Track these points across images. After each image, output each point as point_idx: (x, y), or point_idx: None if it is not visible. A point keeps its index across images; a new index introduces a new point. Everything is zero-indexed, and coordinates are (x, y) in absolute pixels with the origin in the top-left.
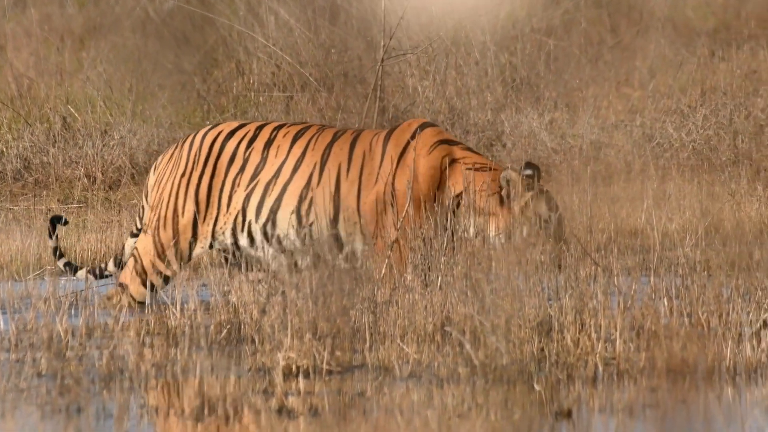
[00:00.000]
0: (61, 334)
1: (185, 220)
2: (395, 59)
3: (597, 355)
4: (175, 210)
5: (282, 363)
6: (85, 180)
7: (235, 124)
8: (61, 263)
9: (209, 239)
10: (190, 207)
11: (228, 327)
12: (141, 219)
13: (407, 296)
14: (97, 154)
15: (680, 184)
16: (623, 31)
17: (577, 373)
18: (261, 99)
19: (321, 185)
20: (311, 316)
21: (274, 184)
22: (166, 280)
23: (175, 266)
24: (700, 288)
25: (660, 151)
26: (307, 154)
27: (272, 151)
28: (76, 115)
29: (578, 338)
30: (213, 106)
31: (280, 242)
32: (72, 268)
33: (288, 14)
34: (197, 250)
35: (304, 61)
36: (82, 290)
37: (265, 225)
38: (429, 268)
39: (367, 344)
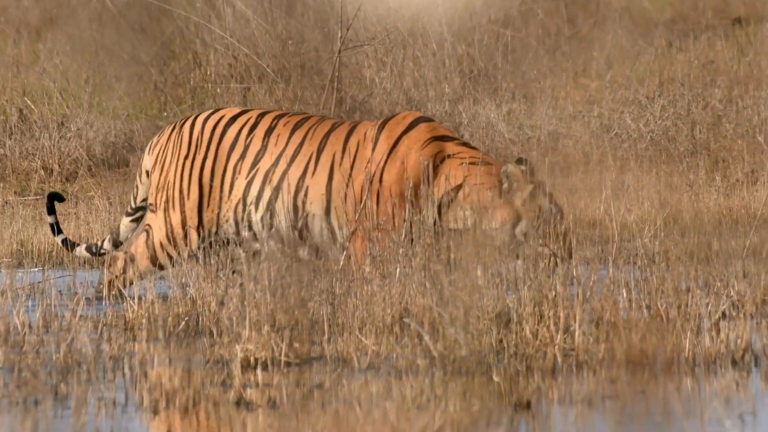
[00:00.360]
0: (18, 326)
1: (191, 203)
2: (352, 50)
3: (556, 347)
4: (181, 191)
5: (240, 355)
6: (42, 172)
7: (236, 111)
8: (59, 239)
9: (214, 227)
10: (195, 190)
11: (186, 319)
12: (135, 199)
13: (366, 288)
14: (53, 146)
15: (638, 175)
16: (580, 22)
17: (536, 365)
18: (218, 90)
19: (315, 175)
20: (269, 308)
21: (273, 173)
22: (173, 261)
23: (183, 249)
24: (659, 279)
25: (618, 141)
26: (305, 144)
27: (272, 139)
28: (33, 107)
29: (537, 329)
30: (170, 98)
31: (278, 233)
32: (70, 244)
33: (245, 6)
34: (205, 237)
35: (261, 52)
36: (39, 282)
37: (263, 215)
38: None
39: (326, 336)
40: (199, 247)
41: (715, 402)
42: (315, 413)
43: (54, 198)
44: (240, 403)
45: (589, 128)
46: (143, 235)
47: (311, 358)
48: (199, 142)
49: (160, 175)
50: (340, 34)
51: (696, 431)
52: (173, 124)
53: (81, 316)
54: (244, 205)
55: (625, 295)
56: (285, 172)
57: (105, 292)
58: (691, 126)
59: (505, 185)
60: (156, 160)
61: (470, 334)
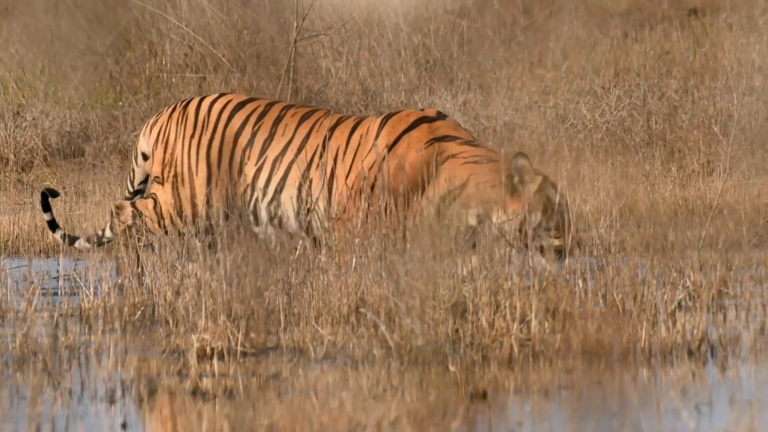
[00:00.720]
0: None
1: (200, 180)
2: (308, 40)
3: (512, 337)
4: (190, 167)
5: (196, 345)
6: None
7: (243, 97)
8: (58, 235)
9: (223, 205)
10: (203, 168)
11: (142, 309)
12: (132, 182)
13: (322, 278)
14: (9, 136)
15: (594, 166)
16: (536, 12)
17: (492, 355)
18: (174, 80)
19: (320, 169)
20: (225, 298)
21: (280, 163)
22: (179, 232)
23: (190, 223)
24: (615, 269)
25: (574, 132)
26: (311, 137)
27: (280, 129)
28: None
29: (493, 320)
30: (125, 88)
31: (281, 224)
32: (70, 238)
33: None
34: (212, 214)
35: (217, 42)
36: None
37: (270, 204)
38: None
39: (282, 326)
40: (204, 225)
41: (671, 392)
42: (271, 403)
43: (48, 194)
44: (196, 392)
45: (544, 119)
46: (150, 202)
47: (267, 348)
48: (206, 123)
49: (165, 151)
50: (295, 24)
51: (652, 421)
52: (172, 106)
53: (36, 306)
54: (252, 191)
55: (581, 285)
56: (291, 164)
57: (122, 240)
58: (646, 116)
59: (517, 179)
60: (157, 138)
61: (426, 324)
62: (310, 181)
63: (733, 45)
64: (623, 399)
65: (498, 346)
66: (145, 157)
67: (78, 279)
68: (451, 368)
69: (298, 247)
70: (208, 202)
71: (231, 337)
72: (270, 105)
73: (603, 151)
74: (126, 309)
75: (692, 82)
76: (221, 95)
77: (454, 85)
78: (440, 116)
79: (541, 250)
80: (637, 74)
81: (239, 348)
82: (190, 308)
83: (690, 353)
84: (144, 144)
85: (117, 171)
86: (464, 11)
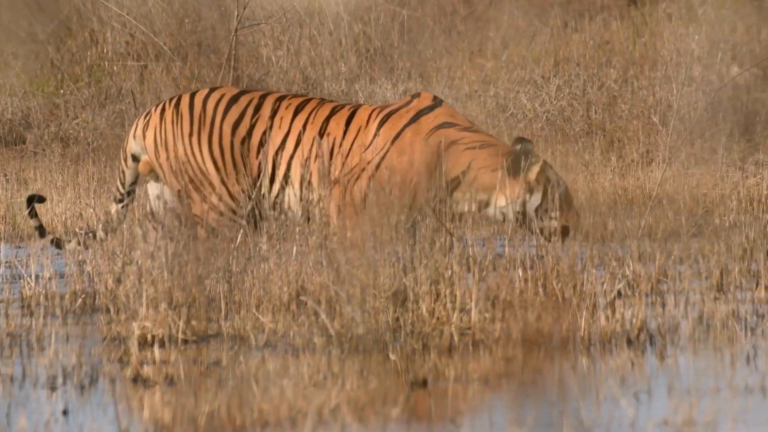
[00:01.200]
0: None
1: (212, 175)
2: (249, 29)
3: (452, 325)
4: (200, 168)
5: (137, 332)
6: None
7: (235, 90)
8: (47, 240)
9: (242, 197)
10: (210, 166)
11: (83, 296)
12: (123, 184)
13: (262, 266)
14: None
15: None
16: (476, 1)
17: (432, 343)
18: (115, 68)
19: (317, 159)
20: (166, 286)
21: (281, 157)
22: (237, 216)
23: (237, 212)
24: (555, 258)
25: (514, 121)
26: (308, 128)
27: (276, 122)
28: None
29: (433, 308)
30: (67, 75)
31: (286, 216)
32: (60, 242)
33: None
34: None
35: (158, 30)
36: None
37: (276, 197)
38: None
39: (223, 314)
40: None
41: (610, 381)
42: (212, 390)
43: (33, 200)
44: (137, 380)
45: (485, 108)
46: (199, 229)
47: (208, 336)
48: (202, 119)
49: (168, 158)
50: (236, 13)
51: (591, 410)
52: (160, 105)
53: None
54: (260, 187)
55: (520, 274)
56: (292, 157)
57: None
58: (586, 106)
59: (523, 163)
60: (155, 143)
61: (367, 313)
62: (311, 175)
63: (672, 35)
64: (563, 387)
65: (438, 335)
66: (135, 159)
67: (19, 266)
68: (392, 356)
69: (239, 235)
70: (230, 195)
71: (172, 325)
72: (263, 97)
73: (543, 140)
74: (67, 296)
75: (632, 72)
76: (212, 90)
77: (395, 74)
78: (437, 102)
79: (541, 231)
80: (577, 64)
81: (180, 335)
82: (131, 296)
83: (629, 342)
84: (134, 146)
85: (58, 159)
86: (404, 0)
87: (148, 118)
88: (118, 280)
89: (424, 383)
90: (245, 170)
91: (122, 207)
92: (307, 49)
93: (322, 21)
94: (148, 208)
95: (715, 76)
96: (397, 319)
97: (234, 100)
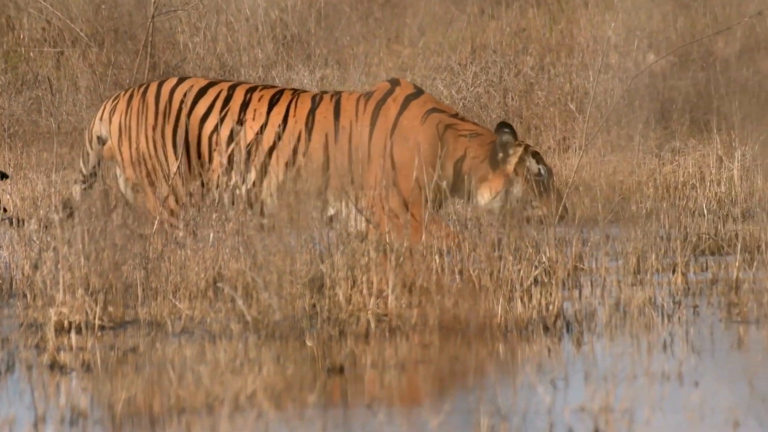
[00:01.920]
0: None
1: (173, 170)
2: (166, 15)
3: (369, 312)
4: (160, 161)
5: (54, 318)
6: None
7: (203, 82)
8: (5, 218)
9: (200, 193)
10: (173, 160)
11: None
12: (87, 165)
13: (179, 252)
14: None
15: None
16: None
17: (349, 329)
18: (31, 54)
19: (308, 155)
20: (83, 272)
21: (258, 150)
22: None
23: (184, 207)
24: (471, 245)
25: None
26: (290, 122)
27: (249, 114)
28: None
29: (350, 294)
30: None
31: (261, 208)
32: (17, 222)
33: None
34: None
35: (75, 16)
36: None
37: (250, 190)
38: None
39: (140, 300)
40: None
41: (527, 367)
42: (129, 377)
43: None
44: (54, 366)
45: None
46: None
47: (125, 322)
48: (168, 111)
49: (130, 147)
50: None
51: (508, 396)
52: (129, 91)
53: None
54: (228, 178)
55: (437, 260)
56: (272, 150)
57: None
58: (503, 93)
59: (501, 155)
60: (120, 131)
61: (284, 299)
62: (299, 168)
63: (588, 22)
64: (479, 374)
65: (355, 321)
66: (101, 141)
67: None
68: (308, 343)
69: (156, 221)
70: (187, 193)
71: (89, 311)
72: (233, 88)
73: None
74: None
75: (548, 59)
76: (181, 80)
77: (312, 61)
78: (419, 91)
79: (528, 221)
80: (494, 51)
81: (97, 322)
82: (48, 282)
83: (546, 329)
84: (100, 128)
85: None
86: None
87: (115, 102)
88: (35, 266)
89: (341, 369)
90: (209, 165)
91: (84, 189)
92: (224, 36)
93: (239, 7)
94: (117, 192)
95: (631, 64)
96: (314, 306)
97: (202, 92)
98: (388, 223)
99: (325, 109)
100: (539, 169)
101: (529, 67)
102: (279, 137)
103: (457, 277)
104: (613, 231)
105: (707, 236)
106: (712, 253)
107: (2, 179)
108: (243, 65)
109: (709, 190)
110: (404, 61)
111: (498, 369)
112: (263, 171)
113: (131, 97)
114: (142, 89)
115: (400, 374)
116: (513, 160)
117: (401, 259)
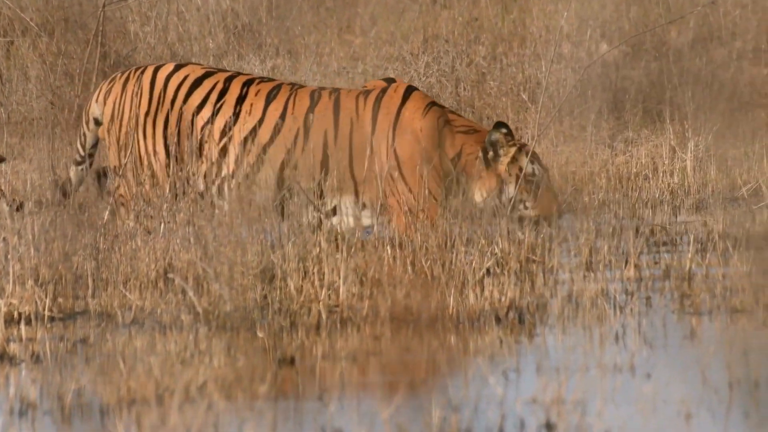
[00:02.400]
0: None
1: (160, 162)
2: (116, 5)
3: (320, 303)
4: (147, 149)
5: (3, 309)
6: None
7: (200, 71)
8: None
9: (185, 184)
10: (161, 149)
11: None
12: (84, 146)
13: (130, 243)
14: None
15: None
16: None
17: (300, 321)
18: None
19: (306, 152)
20: (33, 263)
21: (252, 144)
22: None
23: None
24: (423, 236)
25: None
26: (288, 118)
27: (245, 107)
28: None
29: (301, 286)
30: None
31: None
32: (17, 205)
33: None
34: (176, 192)
35: (25, 6)
36: None
37: (241, 184)
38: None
39: (90, 291)
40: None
41: (479, 359)
42: (78, 368)
43: None
44: (3, 357)
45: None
46: (121, 209)
47: (75, 313)
48: (162, 99)
49: (119, 131)
50: None
51: (460, 388)
52: (125, 73)
53: None
54: (218, 170)
55: (389, 251)
56: (267, 145)
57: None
58: (455, 83)
59: (491, 153)
60: (112, 114)
61: (235, 290)
62: (296, 164)
63: (541, 12)
64: (431, 365)
65: (306, 312)
66: (97, 122)
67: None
68: (259, 334)
69: (106, 212)
70: (172, 182)
71: (38, 302)
72: (229, 80)
73: None
74: None
75: (501, 49)
76: (177, 67)
77: (263, 51)
78: (414, 87)
79: (519, 221)
80: (446, 41)
81: (47, 313)
82: None
83: (498, 320)
84: (96, 109)
85: None
86: None
87: (111, 84)
88: None
89: (292, 361)
90: (198, 158)
91: (81, 169)
92: (175, 25)
93: None
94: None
95: (584, 54)
96: (265, 297)
97: (198, 82)
98: (399, 216)
99: (324, 107)
100: (533, 170)
101: (482, 57)
102: (276, 132)
103: (409, 268)
104: (565, 222)
105: (660, 227)
106: (665, 245)
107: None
108: (194, 55)
109: (662, 180)
110: (356, 51)
111: (450, 360)
112: (257, 165)
113: (127, 79)
114: (138, 72)
115: (351, 366)
116: (505, 160)
117: (353, 250)
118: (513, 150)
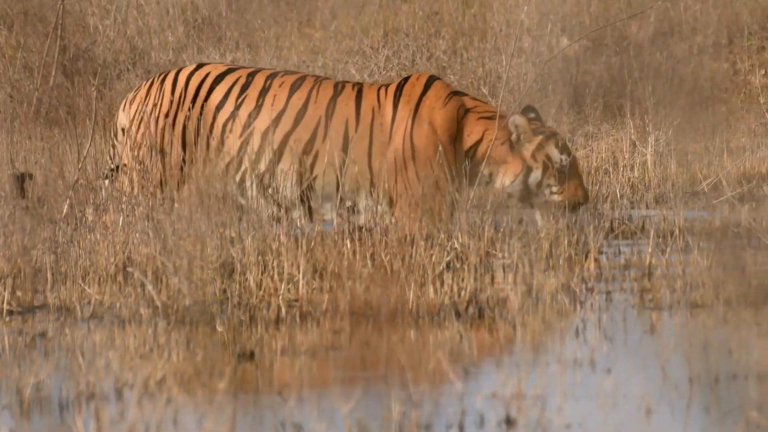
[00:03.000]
0: None
1: (173, 161)
2: None
3: (280, 297)
4: (162, 148)
5: None
6: None
7: (222, 68)
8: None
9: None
10: (177, 148)
11: None
12: (112, 159)
13: (89, 237)
14: None
15: None
16: None
17: (259, 315)
18: None
19: (327, 140)
20: None
21: (274, 135)
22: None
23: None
24: (383, 231)
25: None
26: (310, 107)
27: (268, 99)
28: None
29: (261, 280)
30: None
31: (274, 194)
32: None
33: None
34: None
35: None
36: None
37: (262, 176)
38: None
39: (49, 285)
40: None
41: (438, 353)
42: (37, 362)
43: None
44: None
45: None
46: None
47: (34, 307)
48: (182, 98)
49: (138, 131)
50: None
51: (420, 383)
52: (150, 80)
53: None
54: (239, 164)
55: (349, 246)
56: (289, 135)
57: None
58: None
59: (514, 136)
60: (134, 116)
61: (194, 284)
62: (317, 153)
63: (501, 6)
64: (391, 360)
65: (265, 306)
66: (125, 132)
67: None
68: (219, 328)
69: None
70: (182, 181)
71: None
72: (252, 75)
73: None
74: None
75: (461, 43)
76: (199, 66)
77: (223, 44)
78: (436, 76)
79: (543, 206)
80: (406, 35)
81: (5, 306)
82: None
83: (458, 314)
84: (123, 118)
85: None
86: None
87: (137, 92)
88: None
89: (251, 355)
90: (218, 152)
91: (110, 183)
92: (134, 19)
93: None
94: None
95: (544, 48)
96: (224, 291)
97: (220, 78)
98: (401, 203)
99: (347, 96)
100: (560, 157)
101: (442, 51)
102: (297, 123)
103: (369, 262)
104: (525, 216)
105: (620, 222)
106: (625, 239)
107: (30, 179)
108: (153, 48)
109: (623, 175)
110: (316, 45)
111: (409, 355)
112: (279, 156)
113: (151, 85)
114: (161, 77)
115: (311, 360)
116: (530, 147)
117: (312, 244)
118: (539, 138)
